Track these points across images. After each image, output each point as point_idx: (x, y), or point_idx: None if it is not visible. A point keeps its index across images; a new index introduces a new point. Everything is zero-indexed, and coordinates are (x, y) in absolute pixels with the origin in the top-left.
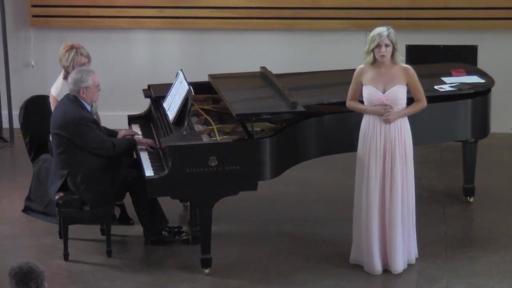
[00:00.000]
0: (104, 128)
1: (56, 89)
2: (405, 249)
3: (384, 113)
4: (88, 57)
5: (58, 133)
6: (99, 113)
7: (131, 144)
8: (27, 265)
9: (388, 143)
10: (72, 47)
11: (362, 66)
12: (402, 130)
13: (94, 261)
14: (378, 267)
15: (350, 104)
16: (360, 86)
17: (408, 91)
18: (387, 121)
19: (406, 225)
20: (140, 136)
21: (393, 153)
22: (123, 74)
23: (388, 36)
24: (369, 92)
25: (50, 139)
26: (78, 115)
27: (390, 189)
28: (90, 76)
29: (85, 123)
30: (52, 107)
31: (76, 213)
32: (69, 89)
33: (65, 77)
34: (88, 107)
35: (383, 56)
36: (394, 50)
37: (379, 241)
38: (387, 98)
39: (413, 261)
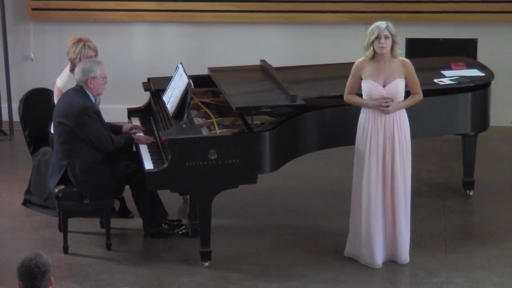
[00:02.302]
0: (109, 123)
1: (62, 81)
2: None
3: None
4: (96, 50)
5: (61, 122)
6: (100, 106)
7: (129, 141)
8: (27, 263)
9: (388, 136)
10: (80, 40)
11: (360, 60)
12: (401, 123)
13: (93, 254)
14: (378, 260)
15: (349, 98)
16: (358, 80)
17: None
18: (386, 112)
19: (408, 217)
20: (142, 134)
21: (393, 145)
22: (122, 68)
23: (387, 27)
24: (369, 87)
25: (51, 131)
26: (83, 104)
27: (390, 182)
28: (98, 67)
29: (89, 112)
30: (56, 99)
31: (75, 206)
32: (76, 79)
33: (72, 70)
34: (93, 99)
35: (382, 47)
36: (393, 42)
37: (382, 233)
38: (387, 92)
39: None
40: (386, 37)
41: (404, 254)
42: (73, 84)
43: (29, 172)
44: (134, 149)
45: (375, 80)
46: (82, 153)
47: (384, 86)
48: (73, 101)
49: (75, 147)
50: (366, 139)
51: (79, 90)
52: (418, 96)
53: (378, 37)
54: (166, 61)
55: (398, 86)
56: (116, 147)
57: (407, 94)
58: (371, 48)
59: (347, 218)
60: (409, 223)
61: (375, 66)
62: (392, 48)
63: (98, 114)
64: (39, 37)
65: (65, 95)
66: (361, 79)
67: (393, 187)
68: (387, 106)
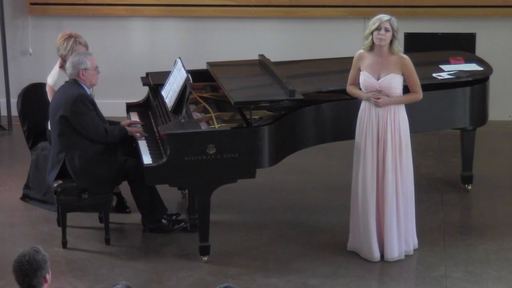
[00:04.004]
0: (109, 121)
1: (52, 78)
2: (400, 237)
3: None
4: (86, 45)
5: (57, 114)
6: (96, 101)
7: (123, 133)
8: (20, 259)
9: (382, 129)
10: (70, 36)
11: (361, 51)
12: (396, 117)
13: (92, 249)
14: (376, 253)
15: (349, 89)
16: (359, 71)
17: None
18: (377, 104)
19: (403, 213)
20: (140, 129)
21: (385, 139)
22: (121, 62)
23: (389, 20)
24: (364, 78)
25: (48, 127)
26: (77, 92)
27: (382, 176)
28: (87, 58)
29: (84, 100)
30: (49, 96)
31: (74, 200)
32: (68, 73)
33: (62, 66)
34: (88, 91)
35: (381, 39)
36: (393, 37)
37: (376, 227)
38: (380, 85)
39: (411, 251)
40: (386, 30)
41: (390, 251)
42: (64, 81)
43: (27, 166)
44: (133, 145)
45: (371, 72)
46: (80, 145)
47: (378, 79)
48: (67, 91)
49: (72, 138)
50: (362, 131)
51: (73, 83)
52: (416, 95)
53: (378, 28)
54: (164, 55)
55: (391, 81)
56: (110, 138)
57: (407, 90)
58: (370, 38)
59: (346, 213)
60: (408, 220)
61: (373, 58)
62: (391, 43)
63: (93, 103)
64: (38, 32)
65: (60, 88)
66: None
67: (383, 182)
68: (378, 97)
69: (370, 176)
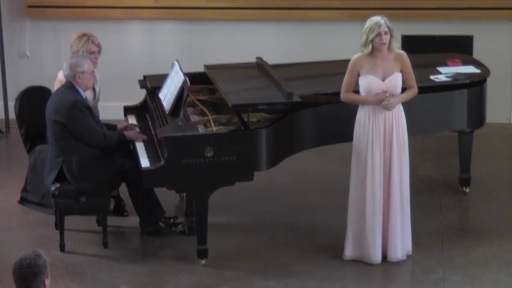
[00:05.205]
0: (106, 124)
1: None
2: (404, 238)
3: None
4: (99, 46)
5: (53, 119)
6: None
7: (121, 138)
8: (20, 262)
9: (388, 131)
10: (84, 34)
11: (357, 56)
12: (400, 117)
13: (90, 252)
14: (378, 256)
15: (347, 96)
16: (356, 77)
17: None
18: (389, 108)
19: (406, 214)
20: (137, 130)
21: (391, 141)
22: (118, 65)
23: (385, 23)
24: (369, 81)
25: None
26: (73, 98)
27: (388, 178)
28: (85, 61)
29: (79, 107)
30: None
31: (72, 204)
32: (64, 75)
33: None
34: (83, 94)
35: (383, 44)
36: (390, 37)
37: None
38: (387, 86)
39: (410, 251)
40: (385, 33)
41: (394, 252)
42: None
43: (25, 170)
44: (131, 147)
45: (374, 74)
46: (77, 149)
47: (383, 80)
48: (63, 97)
49: (69, 143)
50: (368, 136)
51: (69, 86)
52: (414, 90)
53: (378, 34)
54: (162, 58)
55: (396, 80)
56: (108, 143)
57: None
58: (370, 45)
59: (344, 215)
60: (406, 222)
61: (373, 61)
62: (389, 42)
63: (89, 109)
64: (35, 35)
65: (56, 92)
66: (359, 75)
67: (389, 184)
68: (388, 102)
69: (379, 180)
